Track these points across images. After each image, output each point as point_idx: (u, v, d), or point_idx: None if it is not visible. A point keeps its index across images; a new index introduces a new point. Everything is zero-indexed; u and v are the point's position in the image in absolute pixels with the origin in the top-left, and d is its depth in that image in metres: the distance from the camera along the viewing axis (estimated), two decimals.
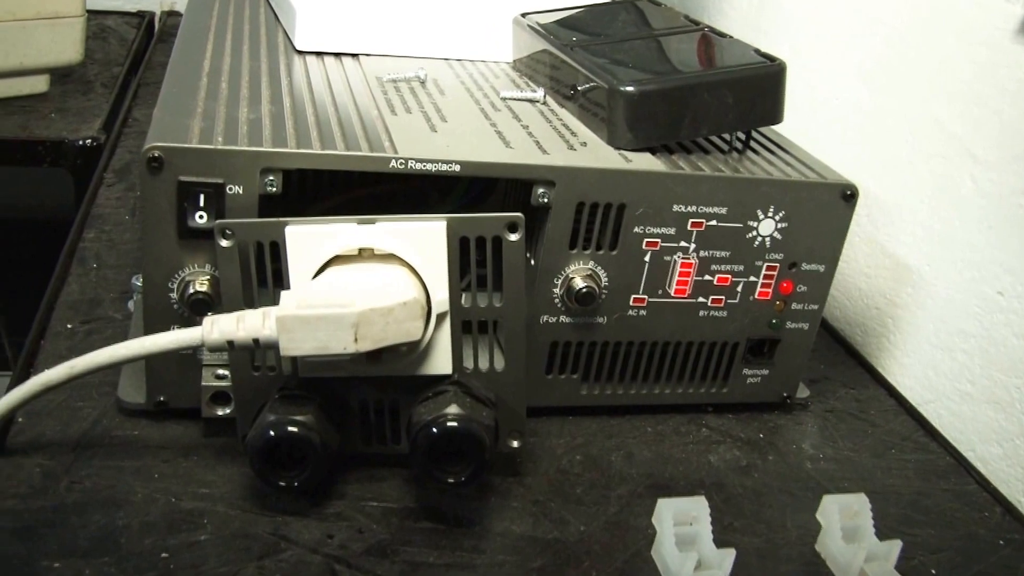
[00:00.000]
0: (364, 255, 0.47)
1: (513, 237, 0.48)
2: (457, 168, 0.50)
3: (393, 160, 0.49)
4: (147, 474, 0.50)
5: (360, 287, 0.46)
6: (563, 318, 0.55)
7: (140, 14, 1.21)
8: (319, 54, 0.65)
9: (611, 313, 0.56)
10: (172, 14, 1.21)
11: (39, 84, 0.93)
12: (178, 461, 0.51)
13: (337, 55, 0.66)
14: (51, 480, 0.49)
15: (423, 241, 0.47)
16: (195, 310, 0.50)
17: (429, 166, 0.50)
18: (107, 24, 1.15)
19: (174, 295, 0.50)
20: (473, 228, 0.48)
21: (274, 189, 0.49)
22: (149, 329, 0.50)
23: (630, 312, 0.56)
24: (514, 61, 0.69)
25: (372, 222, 0.47)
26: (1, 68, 0.89)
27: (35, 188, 1.07)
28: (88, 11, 0.94)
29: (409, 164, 0.50)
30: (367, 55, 0.66)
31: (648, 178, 0.53)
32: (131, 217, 0.74)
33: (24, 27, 0.88)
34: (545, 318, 0.55)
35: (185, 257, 0.50)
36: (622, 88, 0.54)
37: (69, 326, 0.61)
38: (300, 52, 0.65)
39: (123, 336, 0.59)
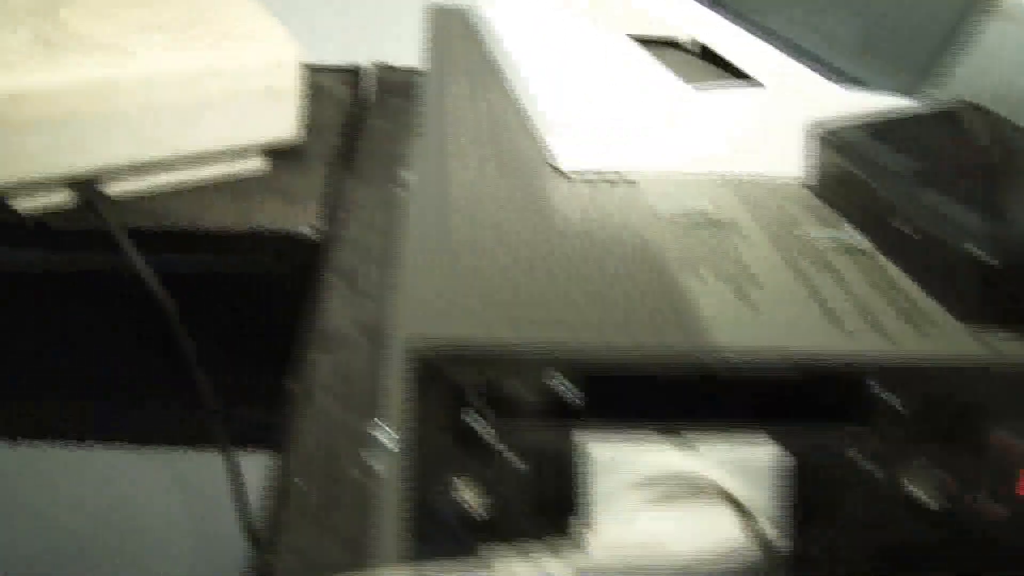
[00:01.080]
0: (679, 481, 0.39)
1: (857, 455, 0.38)
2: (791, 369, 0.41)
3: (711, 360, 0.40)
4: None
5: (680, 529, 0.37)
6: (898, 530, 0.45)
7: (354, 70, 1.14)
8: (589, 181, 0.56)
9: (959, 523, 0.45)
10: (387, 68, 1.13)
11: (254, 163, 0.87)
12: None
13: (608, 181, 0.57)
14: None
15: (751, 467, 0.38)
16: (469, 529, 0.42)
17: (759, 364, 0.41)
18: (320, 82, 1.09)
19: (445, 508, 0.42)
20: (813, 445, 0.38)
21: (566, 392, 0.40)
22: (418, 550, 0.43)
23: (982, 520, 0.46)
24: (811, 183, 0.58)
25: (682, 437, 0.39)
26: (214, 148, 0.83)
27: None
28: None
29: (733, 363, 0.40)
30: (639, 174, 0.57)
31: (1015, 371, 0.43)
32: (362, 336, 0.67)
33: (238, 103, 0.82)
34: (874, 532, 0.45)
35: (457, 464, 0.42)
36: (980, 256, 0.44)
37: (304, 486, 0.54)
38: (565, 175, 0.57)
39: (364, 507, 0.52)
